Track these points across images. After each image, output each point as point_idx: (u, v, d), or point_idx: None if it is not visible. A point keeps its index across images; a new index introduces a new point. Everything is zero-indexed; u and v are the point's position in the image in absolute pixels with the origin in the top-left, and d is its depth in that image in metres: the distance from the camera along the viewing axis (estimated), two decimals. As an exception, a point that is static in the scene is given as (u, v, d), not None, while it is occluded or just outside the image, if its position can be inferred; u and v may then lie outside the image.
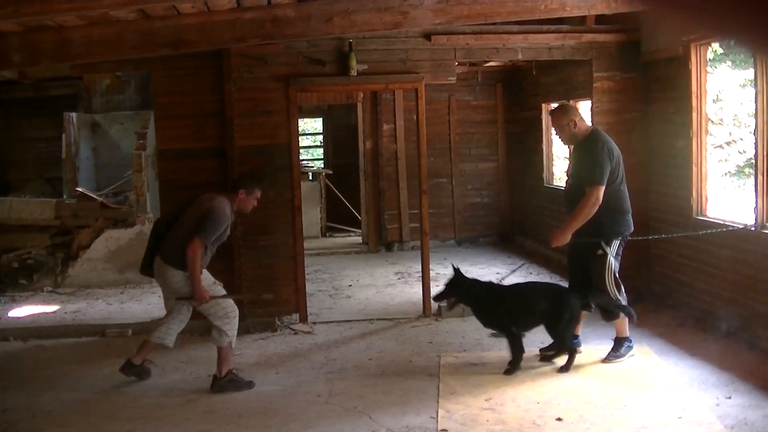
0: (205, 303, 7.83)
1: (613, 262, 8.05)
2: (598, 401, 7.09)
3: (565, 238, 8.00)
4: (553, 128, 8.56)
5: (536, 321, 8.06)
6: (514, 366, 7.92)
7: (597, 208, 7.87)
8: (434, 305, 10.23)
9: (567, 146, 8.60)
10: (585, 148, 8.15)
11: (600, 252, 8.00)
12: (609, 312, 8.19)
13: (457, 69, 10.79)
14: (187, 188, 9.95)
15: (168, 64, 9.86)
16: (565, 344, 8.04)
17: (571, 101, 12.97)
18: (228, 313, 7.94)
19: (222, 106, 9.90)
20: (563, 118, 8.25)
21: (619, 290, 8.12)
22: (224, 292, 8.19)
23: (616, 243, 8.07)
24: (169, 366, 8.75)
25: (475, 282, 8.35)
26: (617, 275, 8.11)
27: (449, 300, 8.36)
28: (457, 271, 8.35)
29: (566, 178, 8.61)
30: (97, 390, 8.06)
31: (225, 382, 7.87)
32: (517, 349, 7.97)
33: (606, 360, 8.20)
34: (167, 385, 8.14)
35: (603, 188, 7.89)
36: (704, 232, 8.45)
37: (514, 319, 8.05)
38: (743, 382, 7.36)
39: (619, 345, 8.27)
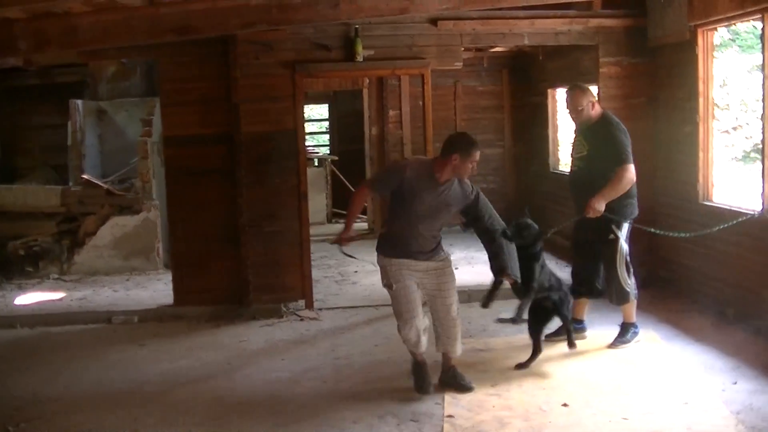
0: (346, 242, 7.22)
1: (624, 246, 8.03)
2: (604, 387, 7.09)
3: (601, 207, 7.73)
4: (569, 107, 8.28)
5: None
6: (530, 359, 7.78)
7: (632, 185, 7.88)
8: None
9: (578, 127, 8.43)
10: (602, 130, 8.05)
11: (612, 236, 7.95)
12: (620, 295, 8.16)
13: (463, 54, 10.76)
14: (192, 174, 10.00)
15: (174, 50, 9.85)
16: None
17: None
18: (397, 311, 7.19)
19: (228, 92, 9.90)
20: (583, 98, 8.11)
21: (629, 274, 8.11)
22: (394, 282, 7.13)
23: (626, 226, 8.03)
24: (177, 352, 8.77)
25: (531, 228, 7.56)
26: (628, 259, 8.09)
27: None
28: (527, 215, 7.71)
29: (573, 161, 8.49)
30: (104, 377, 8.07)
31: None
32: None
33: (612, 345, 8.21)
34: (174, 371, 8.15)
35: (632, 166, 7.87)
36: (717, 228, 8.34)
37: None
38: (749, 367, 7.37)
39: (626, 330, 8.27)
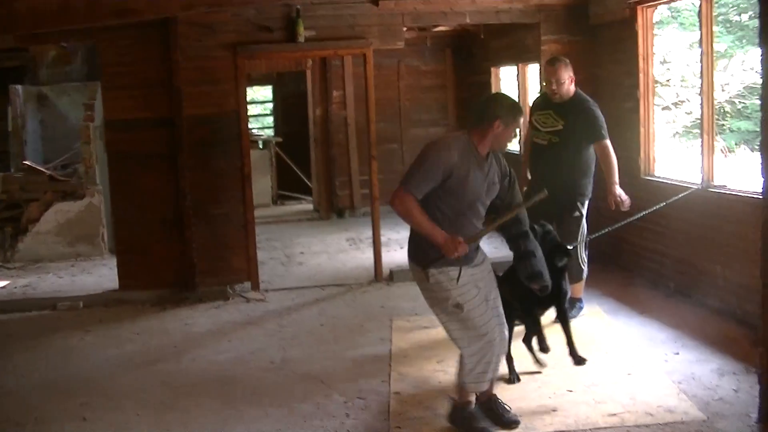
0: (460, 252, 5.38)
1: (584, 224, 8.11)
2: (548, 360, 7.14)
3: (621, 191, 8.01)
4: (552, 79, 8.10)
5: None
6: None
7: (595, 162, 8.06)
8: (386, 270, 10.29)
9: (546, 101, 8.38)
10: (579, 106, 8.11)
11: (577, 213, 8.00)
12: (575, 273, 8.21)
13: (405, 34, 10.77)
14: (135, 159, 9.92)
15: (114, 33, 9.73)
16: None
17: (521, 65, 13.04)
18: (473, 336, 5.71)
19: (170, 75, 9.82)
20: (566, 72, 8.11)
21: (585, 251, 8.19)
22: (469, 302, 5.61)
23: (587, 203, 8.11)
24: (123, 337, 8.72)
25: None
26: (587, 237, 8.15)
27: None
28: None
29: (541, 135, 8.30)
30: (50, 364, 8.01)
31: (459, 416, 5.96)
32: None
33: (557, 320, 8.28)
34: (121, 356, 8.11)
35: (609, 142, 8.07)
36: (659, 206, 8.35)
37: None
38: (690, 338, 7.52)
39: (571, 305, 8.32)
